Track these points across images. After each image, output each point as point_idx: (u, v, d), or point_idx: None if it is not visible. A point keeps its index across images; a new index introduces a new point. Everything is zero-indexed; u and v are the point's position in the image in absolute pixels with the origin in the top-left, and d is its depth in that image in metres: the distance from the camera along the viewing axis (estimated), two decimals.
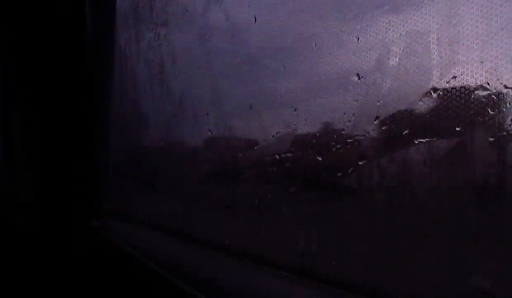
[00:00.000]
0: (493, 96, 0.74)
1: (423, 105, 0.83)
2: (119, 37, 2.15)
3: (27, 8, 2.19)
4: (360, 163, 0.95)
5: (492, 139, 0.73)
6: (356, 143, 0.95)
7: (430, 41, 0.83)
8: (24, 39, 2.20)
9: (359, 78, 0.95)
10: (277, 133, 1.21)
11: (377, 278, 0.87)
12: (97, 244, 1.85)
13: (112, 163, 2.24)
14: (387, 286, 0.85)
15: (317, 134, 1.08)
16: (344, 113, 0.98)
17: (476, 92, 0.77)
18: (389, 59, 0.91)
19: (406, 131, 0.86)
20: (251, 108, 1.27)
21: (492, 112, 0.74)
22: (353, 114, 0.97)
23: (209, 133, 1.51)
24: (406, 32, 0.86)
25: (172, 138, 1.82)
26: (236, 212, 1.37)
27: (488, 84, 0.75)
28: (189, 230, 1.58)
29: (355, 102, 0.96)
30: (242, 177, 1.39)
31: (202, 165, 1.61)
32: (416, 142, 0.84)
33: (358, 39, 0.95)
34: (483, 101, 0.75)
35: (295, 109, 1.13)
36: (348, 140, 0.97)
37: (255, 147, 1.30)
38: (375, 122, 0.91)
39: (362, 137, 0.94)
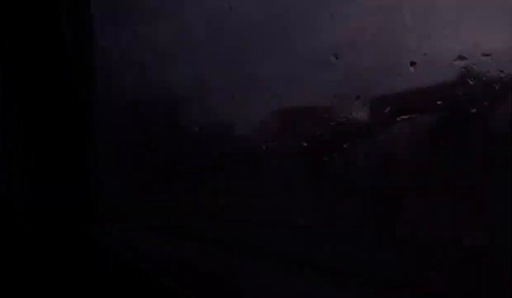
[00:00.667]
0: (472, 66, 0.72)
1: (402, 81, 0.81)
2: (110, 32, 2.12)
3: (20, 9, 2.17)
4: (345, 146, 0.93)
5: (473, 111, 0.72)
6: (340, 125, 0.93)
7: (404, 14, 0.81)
8: (20, 40, 2.18)
9: (336, 58, 0.93)
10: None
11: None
12: (93, 249, 1.83)
13: (108, 162, 2.22)
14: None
15: (301, 119, 1.06)
16: (325, 95, 0.96)
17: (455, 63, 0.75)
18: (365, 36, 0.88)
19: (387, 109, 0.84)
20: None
21: (471, 83, 0.72)
22: (335, 95, 0.95)
23: (205, 126, 1.49)
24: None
25: (168, 134, 1.80)
26: (247, 209, 1.30)
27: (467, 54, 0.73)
28: (196, 230, 1.51)
29: (335, 83, 0.94)
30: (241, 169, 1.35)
31: (206, 159, 1.51)
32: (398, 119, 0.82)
33: (332, 17, 0.93)
34: (462, 72, 0.73)
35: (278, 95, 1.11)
36: (331, 123, 0.96)
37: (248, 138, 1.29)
38: (356, 102, 0.89)
39: (345, 118, 0.92)
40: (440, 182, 0.77)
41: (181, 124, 1.80)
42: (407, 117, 0.81)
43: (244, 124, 1.24)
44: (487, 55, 0.70)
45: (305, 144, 1.04)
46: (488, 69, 0.69)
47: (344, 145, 0.93)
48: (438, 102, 0.77)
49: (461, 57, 0.73)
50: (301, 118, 1.04)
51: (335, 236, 0.94)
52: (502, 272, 0.66)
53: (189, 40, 1.48)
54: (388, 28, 0.83)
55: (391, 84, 0.84)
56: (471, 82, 0.72)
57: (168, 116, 1.87)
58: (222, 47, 1.28)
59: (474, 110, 0.72)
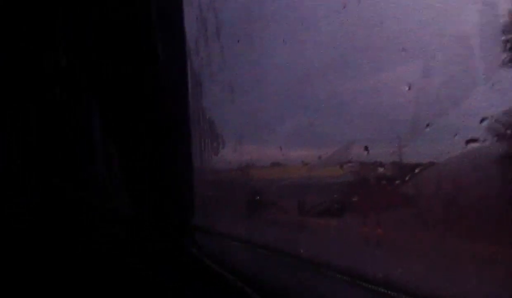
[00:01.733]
0: None
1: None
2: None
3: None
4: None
5: None
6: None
7: None
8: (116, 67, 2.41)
9: (409, 89, 0.96)
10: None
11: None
12: (188, 263, 1.95)
13: (199, 175, 2.35)
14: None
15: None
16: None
17: None
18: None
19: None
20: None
21: None
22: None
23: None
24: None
25: (257, 152, 1.87)
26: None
27: None
28: (291, 246, 1.49)
29: (407, 109, 0.97)
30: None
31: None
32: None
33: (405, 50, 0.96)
34: None
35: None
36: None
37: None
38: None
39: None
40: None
41: (269, 142, 1.87)
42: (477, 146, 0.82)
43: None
44: None
45: (381, 169, 1.07)
46: None
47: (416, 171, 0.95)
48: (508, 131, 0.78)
49: None
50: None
51: None
52: None
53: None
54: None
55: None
56: None
57: (258, 134, 1.94)
58: (307, 74, 1.35)
59: None
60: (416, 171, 0.95)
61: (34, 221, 2.90)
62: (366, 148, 1.10)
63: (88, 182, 3.26)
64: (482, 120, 0.81)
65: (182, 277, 1.95)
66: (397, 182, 1.00)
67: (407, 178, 0.98)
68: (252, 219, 1.89)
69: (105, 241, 2.64)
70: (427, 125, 0.91)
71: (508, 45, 0.79)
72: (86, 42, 2.73)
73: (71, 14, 2.84)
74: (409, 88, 0.94)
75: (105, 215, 2.90)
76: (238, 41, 1.80)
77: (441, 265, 0.92)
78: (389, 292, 1.00)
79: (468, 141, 0.83)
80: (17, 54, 3.13)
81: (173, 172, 2.25)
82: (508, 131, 0.75)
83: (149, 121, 2.35)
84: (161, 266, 2.11)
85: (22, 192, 3.15)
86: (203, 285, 1.81)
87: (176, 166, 2.26)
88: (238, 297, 1.48)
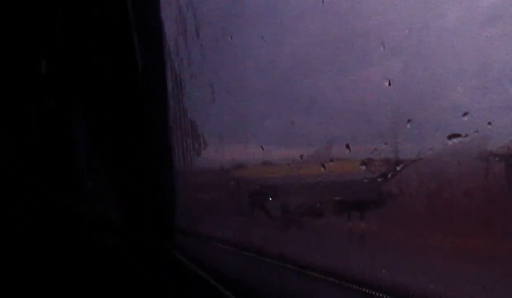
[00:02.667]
0: None
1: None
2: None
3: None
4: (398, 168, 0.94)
5: None
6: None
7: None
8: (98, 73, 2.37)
9: (389, 85, 0.95)
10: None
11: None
12: (171, 266, 1.93)
13: (181, 177, 2.33)
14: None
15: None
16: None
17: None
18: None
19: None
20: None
21: None
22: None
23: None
24: None
25: (238, 153, 1.85)
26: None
27: None
28: (275, 248, 1.48)
29: (387, 106, 0.96)
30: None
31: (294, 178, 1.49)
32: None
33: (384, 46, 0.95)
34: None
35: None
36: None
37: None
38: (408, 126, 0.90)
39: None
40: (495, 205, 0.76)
41: (251, 142, 1.86)
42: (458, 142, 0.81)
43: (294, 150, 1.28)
44: None
45: (363, 167, 1.06)
46: None
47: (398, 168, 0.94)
48: (489, 126, 0.77)
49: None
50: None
51: None
52: None
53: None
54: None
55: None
56: None
57: (239, 133, 1.93)
58: (281, 73, 1.33)
59: None
60: (398, 168, 0.94)
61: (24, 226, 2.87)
62: (347, 146, 1.08)
63: (72, 187, 3.23)
64: (464, 115, 0.80)
65: (163, 280, 1.92)
66: (380, 179, 0.99)
67: (389, 175, 0.97)
68: (235, 220, 1.87)
69: (88, 244, 2.62)
70: (408, 121, 0.90)
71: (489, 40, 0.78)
72: (66, 49, 2.70)
73: (52, 24, 2.81)
74: (389, 84, 0.93)
75: (90, 219, 2.88)
76: (217, 41, 1.77)
77: (426, 261, 0.91)
78: (374, 292, 0.99)
79: (450, 137, 0.82)
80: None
81: (154, 174, 2.22)
82: (489, 126, 0.74)
83: (130, 126, 2.31)
84: (142, 269, 2.08)
85: (9, 198, 3.12)
86: (183, 288, 1.79)
87: (156, 168, 2.23)
88: None
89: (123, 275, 2.18)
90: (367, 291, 1.02)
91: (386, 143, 0.96)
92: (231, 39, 1.64)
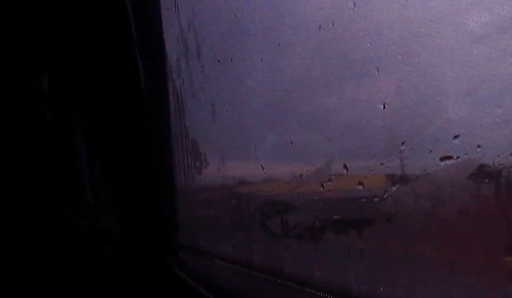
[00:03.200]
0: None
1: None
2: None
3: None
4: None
5: None
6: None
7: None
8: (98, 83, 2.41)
9: (384, 107, 0.98)
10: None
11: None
12: (171, 283, 1.94)
13: (183, 194, 2.35)
14: None
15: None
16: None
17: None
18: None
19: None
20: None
21: None
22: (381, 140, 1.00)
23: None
24: None
25: (239, 172, 1.87)
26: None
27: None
28: (276, 266, 1.51)
29: (382, 128, 0.99)
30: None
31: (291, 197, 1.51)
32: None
33: (378, 70, 0.98)
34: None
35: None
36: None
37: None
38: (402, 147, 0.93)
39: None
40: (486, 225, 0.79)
41: (251, 161, 1.88)
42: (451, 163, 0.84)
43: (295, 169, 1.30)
44: None
45: (360, 187, 1.09)
46: None
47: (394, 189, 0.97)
48: (478, 149, 0.79)
49: None
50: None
51: None
52: None
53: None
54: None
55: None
56: None
57: (240, 151, 1.95)
58: (279, 94, 1.37)
59: None
60: (394, 188, 0.97)
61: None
62: (345, 166, 1.11)
63: (74, 201, 3.24)
64: (455, 137, 0.83)
65: (162, 295, 1.93)
66: (376, 199, 1.01)
67: (385, 196, 1.00)
68: (236, 238, 1.89)
69: (91, 259, 2.63)
70: (403, 143, 0.93)
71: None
72: (68, 64, 2.73)
73: (52, 36, 2.84)
74: (384, 107, 0.96)
75: (91, 234, 2.89)
76: (218, 61, 1.81)
77: (424, 278, 0.93)
78: None
79: (443, 159, 0.85)
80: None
81: (155, 189, 2.25)
82: (479, 149, 0.76)
83: (132, 142, 2.34)
84: (141, 283, 2.09)
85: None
86: None
87: (159, 185, 2.25)
88: None
89: (122, 289, 2.19)
90: None
91: (382, 164, 0.98)
92: (231, 60, 1.68)
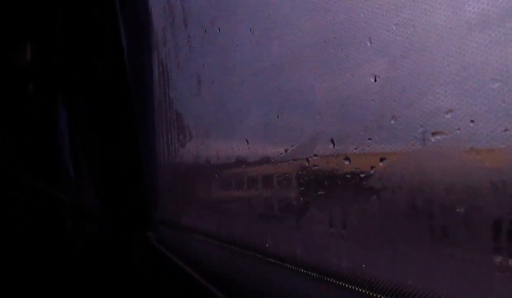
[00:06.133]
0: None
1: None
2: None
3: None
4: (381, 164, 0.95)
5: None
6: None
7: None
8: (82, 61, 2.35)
9: (375, 80, 0.95)
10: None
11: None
12: (151, 257, 1.92)
13: (164, 168, 2.32)
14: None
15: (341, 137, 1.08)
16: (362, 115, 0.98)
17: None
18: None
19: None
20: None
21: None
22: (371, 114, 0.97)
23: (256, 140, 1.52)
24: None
25: (223, 146, 1.84)
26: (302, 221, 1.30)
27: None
28: (257, 242, 1.50)
29: (372, 102, 0.96)
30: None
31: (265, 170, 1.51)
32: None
33: (371, 41, 0.95)
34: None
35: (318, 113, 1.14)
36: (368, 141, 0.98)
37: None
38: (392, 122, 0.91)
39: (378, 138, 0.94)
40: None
41: (236, 135, 1.85)
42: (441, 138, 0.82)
43: (281, 141, 1.28)
44: None
45: (346, 163, 1.06)
46: None
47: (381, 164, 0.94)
48: (471, 124, 0.77)
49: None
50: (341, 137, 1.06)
51: None
52: None
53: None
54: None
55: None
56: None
57: (224, 126, 1.92)
58: (268, 67, 1.33)
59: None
60: (381, 164, 0.94)
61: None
62: (332, 141, 1.08)
63: (56, 177, 3.20)
64: (447, 112, 0.80)
65: (142, 269, 1.92)
66: (363, 175, 0.99)
67: (372, 172, 0.97)
68: (218, 214, 1.87)
69: (72, 235, 2.60)
70: (393, 117, 0.90)
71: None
72: (53, 39, 2.66)
73: (39, 15, 2.77)
74: (375, 80, 0.93)
75: (72, 208, 2.86)
76: (205, 31, 1.76)
77: (408, 258, 0.92)
78: (355, 287, 1.00)
79: (434, 134, 0.82)
80: None
81: (137, 164, 2.21)
82: (472, 124, 0.74)
83: (114, 115, 2.29)
84: (123, 259, 2.07)
85: None
86: (162, 278, 1.79)
87: (140, 158, 2.21)
88: (200, 294, 1.46)
89: (102, 263, 2.17)
90: (347, 285, 1.03)
91: (370, 139, 0.96)
92: (218, 30, 1.63)
